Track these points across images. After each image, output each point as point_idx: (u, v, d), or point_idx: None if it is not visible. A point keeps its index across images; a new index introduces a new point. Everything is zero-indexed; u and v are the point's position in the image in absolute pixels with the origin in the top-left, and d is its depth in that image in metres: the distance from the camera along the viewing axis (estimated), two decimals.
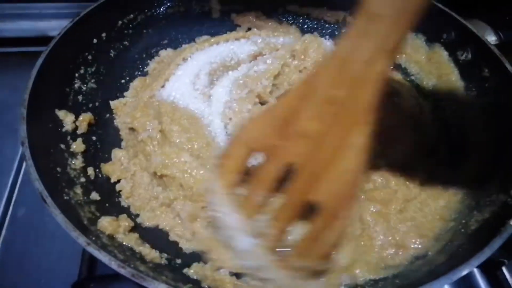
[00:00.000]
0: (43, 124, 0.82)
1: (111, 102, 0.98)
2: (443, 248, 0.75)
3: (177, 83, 0.98)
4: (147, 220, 0.82)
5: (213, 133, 0.93)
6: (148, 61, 1.11)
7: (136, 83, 1.05)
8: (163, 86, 0.98)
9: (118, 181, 0.87)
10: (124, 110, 0.97)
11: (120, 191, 0.86)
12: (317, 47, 1.07)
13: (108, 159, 0.91)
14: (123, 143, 0.94)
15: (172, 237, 0.80)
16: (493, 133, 0.91)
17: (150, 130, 0.88)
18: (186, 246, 0.79)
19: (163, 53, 1.12)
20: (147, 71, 1.09)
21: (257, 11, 1.19)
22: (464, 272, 0.62)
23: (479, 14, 1.04)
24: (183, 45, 1.14)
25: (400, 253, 0.77)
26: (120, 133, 0.96)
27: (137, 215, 0.83)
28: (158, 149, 0.86)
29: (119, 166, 0.88)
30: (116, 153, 0.90)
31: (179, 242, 0.80)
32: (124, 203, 0.85)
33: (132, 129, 0.92)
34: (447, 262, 0.69)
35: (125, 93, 1.03)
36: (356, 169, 0.64)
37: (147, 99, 0.96)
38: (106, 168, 0.88)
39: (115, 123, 0.98)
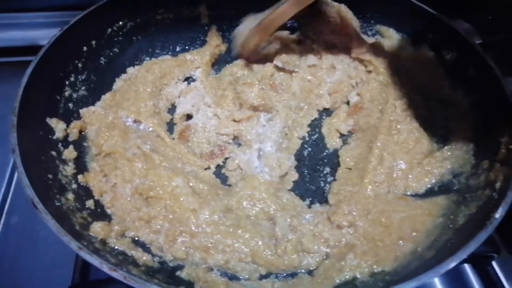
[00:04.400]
0: (34, 132, 0.83)
1: (80, 111, 0.96)
2: (432, 243, 0.76)
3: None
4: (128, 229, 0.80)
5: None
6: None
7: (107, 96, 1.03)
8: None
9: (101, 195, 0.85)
10: (93, 118, 0.95)
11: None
12: None
13: None
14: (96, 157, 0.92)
15: (154, 251, 0.79)
16: (478, 130, 0.92)
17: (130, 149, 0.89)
18: (170, 263, 0.78)
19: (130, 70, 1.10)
20: None
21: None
22: (451, 265, 0.63)
23: (462, 14, 1.06)
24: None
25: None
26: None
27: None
28: (145, 168, 0.86)
29: (101, 176, 0.87)
30: (93, 164, 0.89)
31: (162, 256, 0.78)
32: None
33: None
34: (435, 256, 0.71)
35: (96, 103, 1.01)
36: None
37: (110, 121, 0.95)
38: (86, 178, 0.86)
39: None
